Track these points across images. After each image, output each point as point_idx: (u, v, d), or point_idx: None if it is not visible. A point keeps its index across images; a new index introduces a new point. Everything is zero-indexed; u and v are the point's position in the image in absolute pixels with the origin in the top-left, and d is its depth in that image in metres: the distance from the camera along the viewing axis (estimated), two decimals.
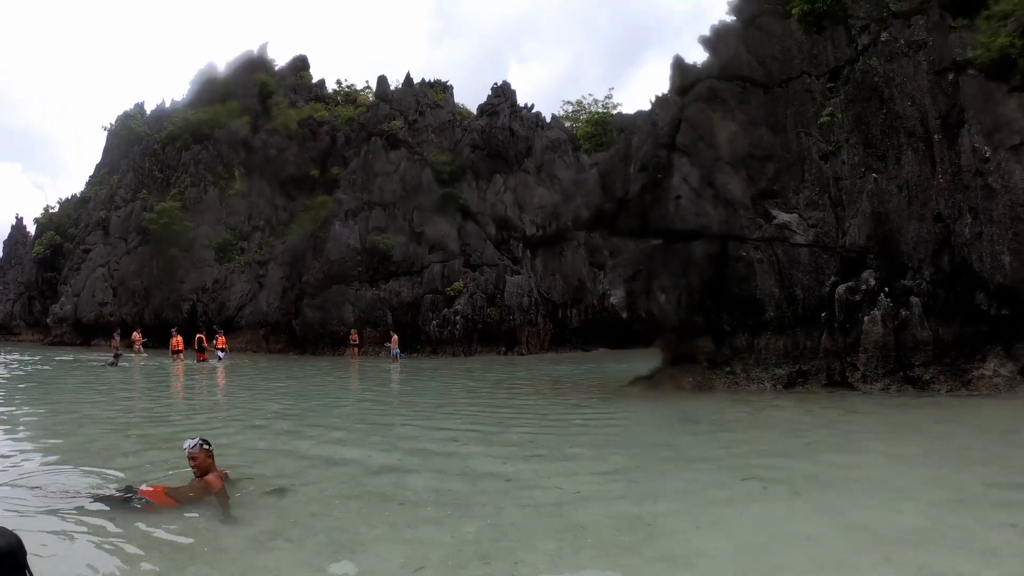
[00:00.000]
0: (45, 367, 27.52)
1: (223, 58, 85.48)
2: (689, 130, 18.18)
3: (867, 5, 17.77)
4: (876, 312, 15.61)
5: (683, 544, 5.92)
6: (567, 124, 50.99)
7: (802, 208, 17.46)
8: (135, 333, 37.04)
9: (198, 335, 31.70)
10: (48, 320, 49.66)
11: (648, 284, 17.86)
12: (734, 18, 20.04)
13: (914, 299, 15.37)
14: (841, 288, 16.23)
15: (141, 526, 6.40)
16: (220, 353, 30.66)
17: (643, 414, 13.39)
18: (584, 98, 59.46)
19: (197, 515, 6.70)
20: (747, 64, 18.78)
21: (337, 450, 9.91)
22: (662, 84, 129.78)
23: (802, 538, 6.02)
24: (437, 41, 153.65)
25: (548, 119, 46.46)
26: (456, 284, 39.69)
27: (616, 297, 18.22)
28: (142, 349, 35.96)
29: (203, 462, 7.06)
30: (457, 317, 38.48)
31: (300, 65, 50.18)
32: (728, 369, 17.11)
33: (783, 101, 18.45)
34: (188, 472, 7.64)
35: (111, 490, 7.33)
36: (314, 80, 50.60)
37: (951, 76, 15.91)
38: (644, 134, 18.62)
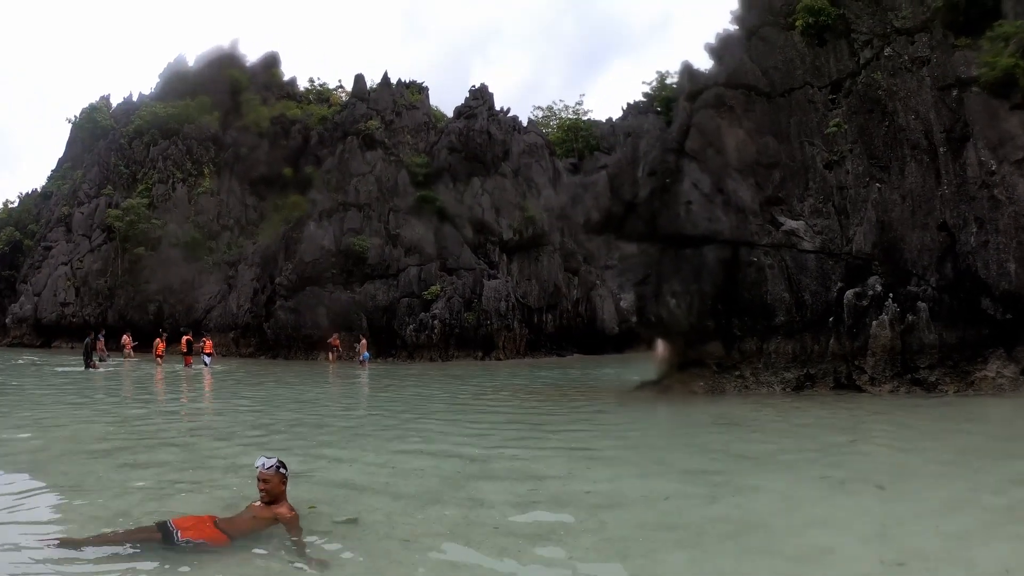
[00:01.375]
0: (24, 376, 25.13)
1: (192, 52, 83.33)
2: (698, 136, 18.45)
3: (870, 21, 18.32)
4: (884, 317, 16.07)
5: (807, 542, 5.97)
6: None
7: (807, 215, 17.88)
8: (125, 336, 35.42)
9: (185, 337, 30.73)
10: (7, 320, 47.54)
11: (658, 288, 18.04)
12: (736, 27, 20.45)
13: (921, 304, 15.87)
14: (849, 294, 16.66)
15: None
16: (206, 358, 29.75)
17: (675, 418, 13.51)
18: (555, 103, 59.97)
19: (266, 555, 5.51)
20: (751, 73, 19.16)
21: (384, 464, 9.13)
22: (628, 91, 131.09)
23: (914, 523, 6.29)
24: (401, 44, 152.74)
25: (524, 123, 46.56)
26: (433, 288, 39.46)
27: (626, 301, 18.31)
28: (132, 354, 34.42)
29: (276, 487, 6.00)
30: (435, 321, 38.25)
31: (271, 62, 49.28)
32: (737, 373, 17.38)
33: (786, 110, 18.88)
34: (203, 498, 7.03)
35: (139, 527, 5.87)
36: (285, 78, 49.82)
37: (955, 92, 16.52)
38: (652, 139, 18.87)
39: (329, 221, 40.93)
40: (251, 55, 49.93)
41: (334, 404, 17.68)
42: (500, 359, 39.27)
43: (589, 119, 55.06)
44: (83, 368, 26.50)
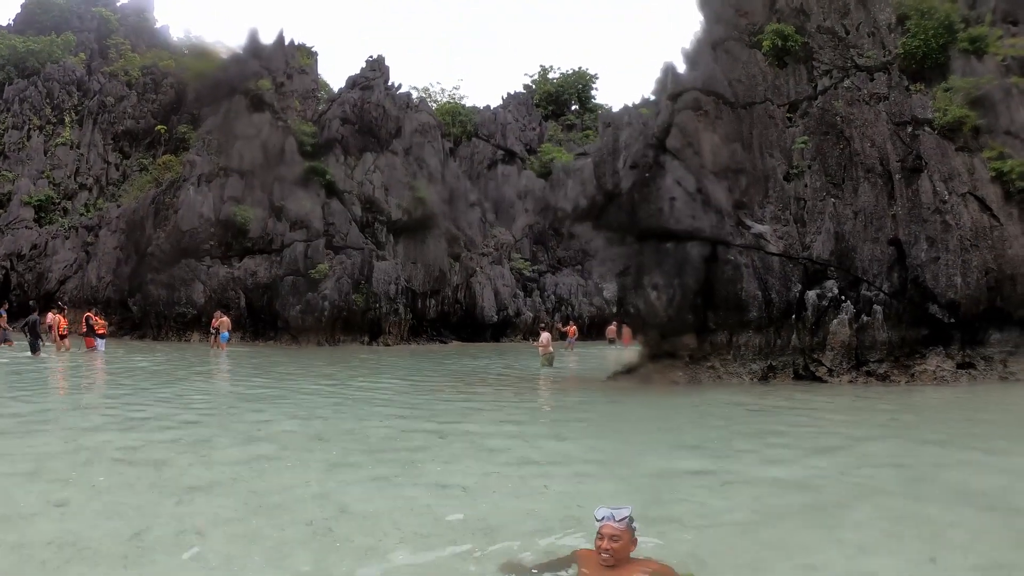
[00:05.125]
0: None
1: None
2: (679, 135, 19.46)
3: (832, 53, 20.29)
4: (844, 316, 18.00)
5: None
6: None
7: (768, 221, 19.47)
8: (53, 314, 26.75)
9: (87, 313, 26.68)
10: None
11: (638, 280, 18.84)
12: (702, 37, 21.72)
13: (876, 307, 17.97)
14: (811, 294, 18.44)
15: None
16: (100, 341, 25.73)
17: (706, 407, 14.12)
18: (431, 86, 59.19)
19: None
20: (720, 83, 20.47)
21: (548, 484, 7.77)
22: (501, 83, 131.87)
23: None
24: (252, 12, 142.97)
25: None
26: (321, 267, 37.63)
27: (608, 290, 18.93)
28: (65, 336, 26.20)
29: (626, 547, 4.69)
30: (325, 303, 36.59)
31: (144, 6, 44.57)
32: (709, 364, 18.59)
33: (748, 122, 20.38)
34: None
35: None
36: (157, 25, 45.23)
37: (910, 128, 18.84)
38: (634, 132, 19.67)
39: (208, 187, 37.93)
40: None
41: (338, 405, 14.37)
42: (388, 344, 38.55)
43: (465, 104, 55.16)
44: (31, 354, 22.05)
